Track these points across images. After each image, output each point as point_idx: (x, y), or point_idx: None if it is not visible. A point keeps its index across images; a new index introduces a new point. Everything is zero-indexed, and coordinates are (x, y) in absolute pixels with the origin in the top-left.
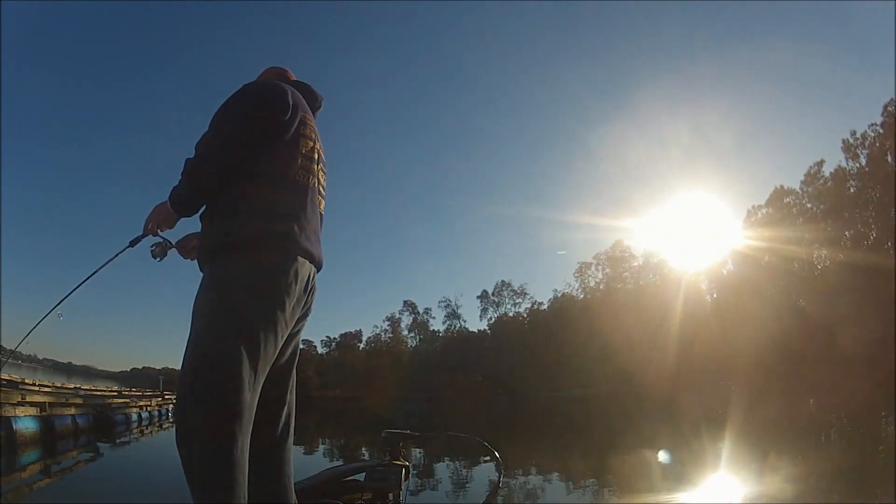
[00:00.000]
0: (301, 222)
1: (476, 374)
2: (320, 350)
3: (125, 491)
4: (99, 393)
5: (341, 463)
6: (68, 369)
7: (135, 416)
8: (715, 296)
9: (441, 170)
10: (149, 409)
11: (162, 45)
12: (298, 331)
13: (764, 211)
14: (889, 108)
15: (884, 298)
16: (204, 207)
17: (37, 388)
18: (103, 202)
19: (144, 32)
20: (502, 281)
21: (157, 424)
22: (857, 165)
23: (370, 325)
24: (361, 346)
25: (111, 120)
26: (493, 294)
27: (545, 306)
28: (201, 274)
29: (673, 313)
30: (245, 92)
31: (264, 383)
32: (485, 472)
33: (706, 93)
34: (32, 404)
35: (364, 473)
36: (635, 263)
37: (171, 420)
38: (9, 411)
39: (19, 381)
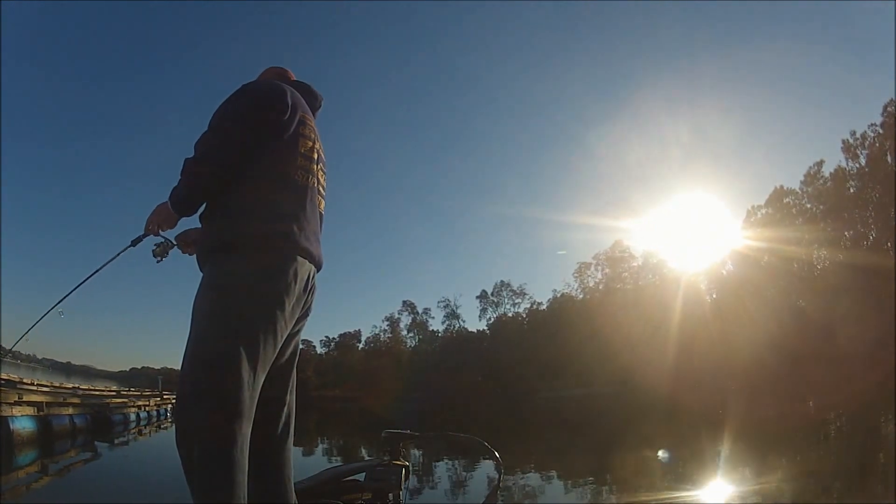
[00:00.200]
0: (301, 222)
1: (475, 375)
2: (319, 350)
3: (123, 491)
4: (97, 393)
5: (341, 463)
6: (67, 369)
7: (133, 416)
8: (714, 296)
9: (441, 170)
10: (147, 409)
11: (162, 45)
12: (298, 331)
13: (763, 211)
14: (889, 109)
15: (883, 298)
16: (204, 207)
17: (34, 388)
18: (103, 202)
19: (144, 32)
20: (501, 281)
21: (155, 424)
22: (857, 166)
23: (369, 325)
24: (361, 346)
25: (111, 120)
26: (492, 294)
27: (544, 306)
28: (201, 274)
29: (672, 313)
30: (244, 92)
31: (264, 383)
32: (484, 472)
33: (706, 93)
34: (30, 404)
35: (364, 473)
36: (635, 264)
37: (169, 420)
38: (5, 411)
39: (17, 380)
